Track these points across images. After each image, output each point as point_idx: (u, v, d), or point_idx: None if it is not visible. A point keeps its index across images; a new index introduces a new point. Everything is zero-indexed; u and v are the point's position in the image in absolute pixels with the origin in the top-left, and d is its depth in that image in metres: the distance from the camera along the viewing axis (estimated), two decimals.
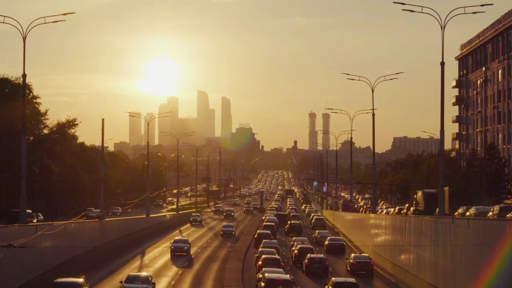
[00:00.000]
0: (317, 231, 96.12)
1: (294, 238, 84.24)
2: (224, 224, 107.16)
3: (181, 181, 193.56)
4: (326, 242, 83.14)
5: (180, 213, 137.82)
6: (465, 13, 54.58)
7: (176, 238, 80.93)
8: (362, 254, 69.65)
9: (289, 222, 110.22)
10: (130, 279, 48.49)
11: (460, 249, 41.06)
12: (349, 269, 65.59)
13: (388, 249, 66.08)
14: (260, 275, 51.32)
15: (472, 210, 56.63)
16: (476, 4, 54.89)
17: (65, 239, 58.83)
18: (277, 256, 62.28)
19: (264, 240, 76.07)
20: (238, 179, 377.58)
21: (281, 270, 54.13)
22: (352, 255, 68.65)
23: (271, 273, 49.28)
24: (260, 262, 58.91)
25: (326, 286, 49.34)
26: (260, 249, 68.84)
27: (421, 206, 76.31)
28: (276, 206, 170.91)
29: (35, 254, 49.91)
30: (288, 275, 50.82)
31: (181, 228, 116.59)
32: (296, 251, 69.81)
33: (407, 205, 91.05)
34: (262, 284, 47.47)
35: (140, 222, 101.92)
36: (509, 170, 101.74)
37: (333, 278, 50.44)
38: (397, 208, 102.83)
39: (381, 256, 69.06)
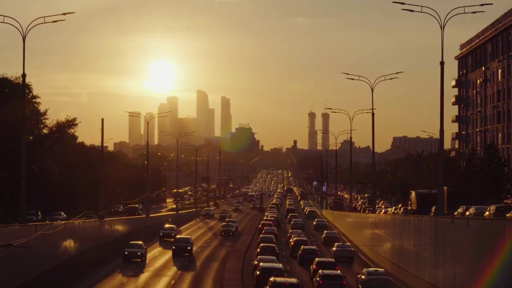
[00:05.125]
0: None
1: (290, 230, 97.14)
2: None
3: (181, 181, 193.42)
4: (314, 223, 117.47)
5: (180, 212, 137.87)
6: (464, 13, 54.75)
7: None
8: (332, 231, 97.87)
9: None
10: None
11: (460, 248, 41.07)
12: (322, 241, 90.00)
13: (387, 248, 66.15)
14: (256, 262, 57.28)
15: (471, 210, 56.70)
16: (476, 3, 54.97)
17: (65, 239, 58.76)
18: (273, 245, 71.58)
19: (265, 228, 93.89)
20: (238, 178, 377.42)
21: (275, 258, 59.53)
22: (325, 231, 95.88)
23: (265, 262, 54.85)
24: (258, 250, 68.37)
25: (312, 266, 57.16)
26: (261, 235, 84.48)
27: (414, 206, 78.16)
28: (277, 203, 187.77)
29: (35, 254, 49.86)
30: (280, 264, 55.97)
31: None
32: (292, 243, 77.80)
33: (400, 205, 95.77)
34: (258, 272, 52.36)
35: (140, 222, 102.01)
36: (508, 169, 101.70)
37: (316, 259, 58.30)
38: (393, 208, 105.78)
39: (377, 254, 69.15)
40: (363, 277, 53.36)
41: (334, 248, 73.47)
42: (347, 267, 64.57)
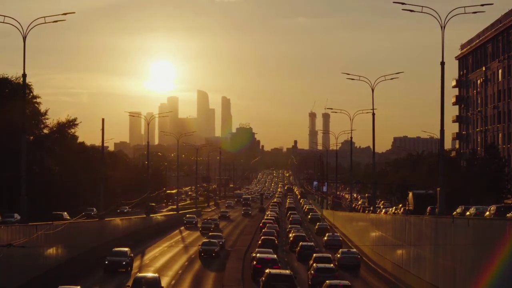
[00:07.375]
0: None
1: (289, 225, 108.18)
2: None
3: (181, 181, 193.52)
4: (309, 216, 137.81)
5: (180, 212, 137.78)
6: (465, 13, 54.54)
7: None
8: (324, 223, 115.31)
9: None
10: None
11: (460, 248, 41.03)
12: (315, 232, 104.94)
13: (388, 248, 66.16)
14: (254, 254, 62.52)
15: (472, 210, 56.67)
16: (476, 4, 54.86)
17: (65, 239, 58.61)
18: (273, 238, 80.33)
19: (267, 224, 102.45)
20: (238, 178, 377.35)
21: (271, 250, 65.09)
22: (318, 223, 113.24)
23: (262, 254, 60.66)
24: (259, 242, 76.85)
25: (310, 261, 60.95)
26: (263, 230, 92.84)
27: (411, 206, 79.70)
28: (278, 201, 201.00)
29: (35, 254, 49.76)
30: (275, 255, 61.59)
31: None
32: (291, 238, 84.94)
33: (400, 205, 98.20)
34: (255, 262, 57.97)
35: (140, 222, 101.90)
36: (509, 169, 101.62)
37: (314, 254, 63.46)
38: (393, 208, 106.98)
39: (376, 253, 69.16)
40: (338, 255, 66.68)
41: (325, 238, 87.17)
42: (336, 253, 70.01)
